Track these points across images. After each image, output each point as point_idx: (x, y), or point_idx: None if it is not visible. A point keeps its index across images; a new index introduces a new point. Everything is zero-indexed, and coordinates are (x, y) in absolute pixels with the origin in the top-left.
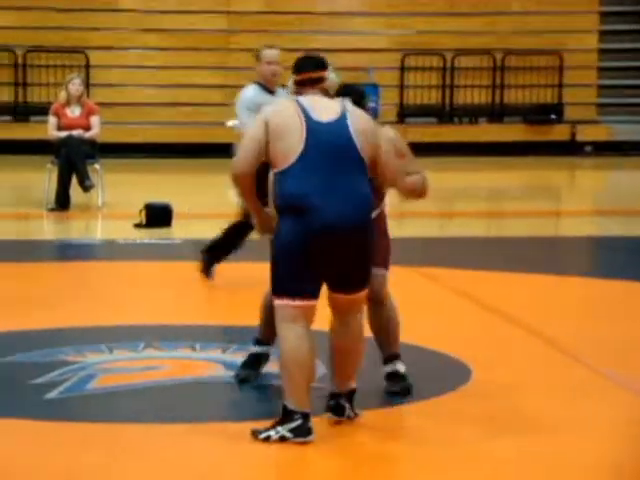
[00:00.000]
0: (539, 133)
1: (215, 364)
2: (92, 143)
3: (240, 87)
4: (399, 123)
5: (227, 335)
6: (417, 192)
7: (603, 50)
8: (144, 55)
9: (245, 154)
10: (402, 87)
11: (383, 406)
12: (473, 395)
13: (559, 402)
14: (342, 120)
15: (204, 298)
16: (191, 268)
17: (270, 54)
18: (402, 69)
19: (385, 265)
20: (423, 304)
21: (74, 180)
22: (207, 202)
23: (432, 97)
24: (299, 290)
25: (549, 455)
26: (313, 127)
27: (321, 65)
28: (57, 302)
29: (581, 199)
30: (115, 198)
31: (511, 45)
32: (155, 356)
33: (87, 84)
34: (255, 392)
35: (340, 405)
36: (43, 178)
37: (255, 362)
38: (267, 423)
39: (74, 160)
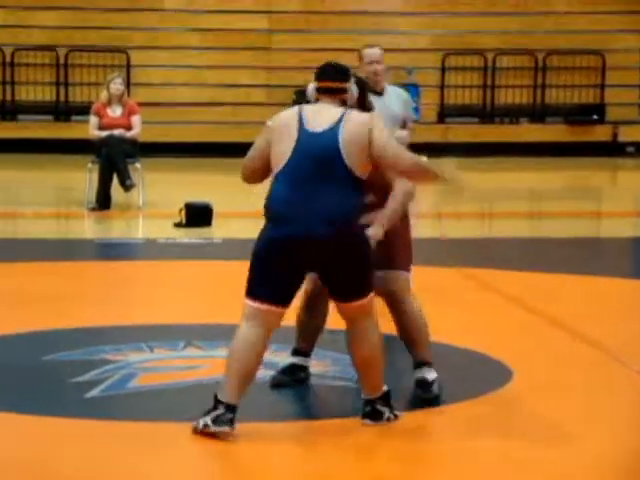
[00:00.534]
0: (581, 134)
1: None
2: (133, 142)
3: (281, 87)
4: (440, 123)
5: None
6: (422, 171)
7: None
8: (185, 55)
9: (248, 160)
10: (443, 87)
11: (419, 408)
12: (513, 396)
13: (601, 404)
14: (334, 130)
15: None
16: (230, 267)
17: (370, 53)
18: (443, 69)
19: (406, 267)
20: (464, 305)
21: (115, 179)
22: (247, 201)
23: (473, 97)
24: (259, 293)
25: (590, 458)
26: (303, 137)
27: (343, 76)
28: (97, 301)
29: (623, 200)
30: (155, 197)
31: (553, 45)
32: (195, 355)
33: (128, 84)
34: (295, 393)
35: (377, 410)
36: (84, 178)
37: (291, 371)
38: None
39: (115, 160)
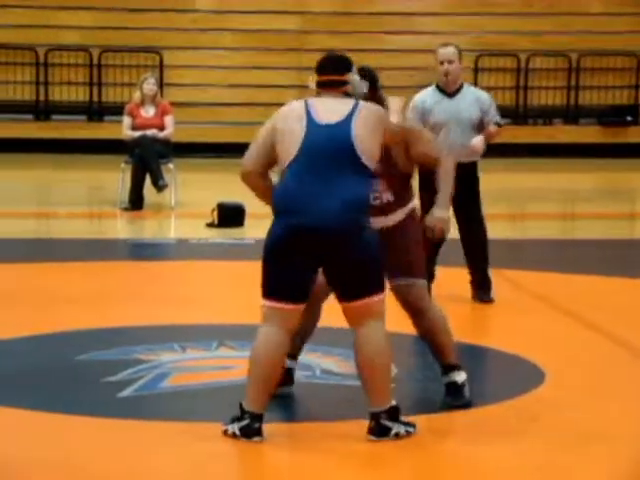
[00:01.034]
0: (614, 135)
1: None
2: (166, 143)
3: None
4: None
5: None
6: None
7: None
8: (218, 55)
9: (249, 155)
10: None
11: (452, 409)
12: (545, 399)
13: (635, 409)
14: (346, 122)
15: None
16: None
17: (441, 52)
18: (476, 70)
19: (423, 274)
20: (496, 306)
21: (147, 180)
22: None
23: (506, 98)
24: (273, 291)
25: (622, 465)
26: (312, 130)
27: (343, 67)
28: (130, 301)
29: None
30: (188, 198)
31: (586, 46)
32: (228, 355)
33: (161, 84)
34: (331, 393)
35: (381, 425)
36: (117, 178)
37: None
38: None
39: (148, 160)
